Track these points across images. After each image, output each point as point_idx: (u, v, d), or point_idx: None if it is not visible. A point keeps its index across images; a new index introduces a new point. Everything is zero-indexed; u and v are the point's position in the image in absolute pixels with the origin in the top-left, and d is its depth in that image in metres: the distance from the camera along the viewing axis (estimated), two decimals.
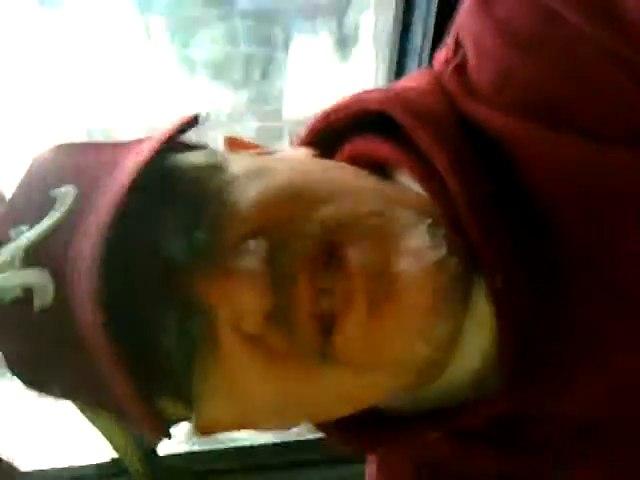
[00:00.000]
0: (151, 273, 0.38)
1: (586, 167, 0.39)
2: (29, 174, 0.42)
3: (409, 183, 0.45)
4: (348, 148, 0.48)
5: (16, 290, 0.37)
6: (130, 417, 0.39)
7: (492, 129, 0.42)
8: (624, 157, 0.39)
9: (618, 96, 0.39)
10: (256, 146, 0.50)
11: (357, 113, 0.46)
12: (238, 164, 0.42)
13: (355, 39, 1.34)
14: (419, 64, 0.91)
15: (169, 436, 0.42)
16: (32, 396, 0.43)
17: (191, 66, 1.35)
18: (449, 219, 0.41)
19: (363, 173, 0.45)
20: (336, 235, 0.38)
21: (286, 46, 1.35)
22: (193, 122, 0.41)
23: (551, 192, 0.40)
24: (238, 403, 0.41)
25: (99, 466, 1.34)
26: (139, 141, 0.42)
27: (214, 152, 0.44)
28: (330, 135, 0.49)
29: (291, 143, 0.51)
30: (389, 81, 1.03)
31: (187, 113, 0.41)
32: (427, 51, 0.86)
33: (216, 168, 0.41)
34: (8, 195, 0.42)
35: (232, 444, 1.44)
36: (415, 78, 0.49)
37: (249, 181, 0.40)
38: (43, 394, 0.43)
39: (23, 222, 0.39)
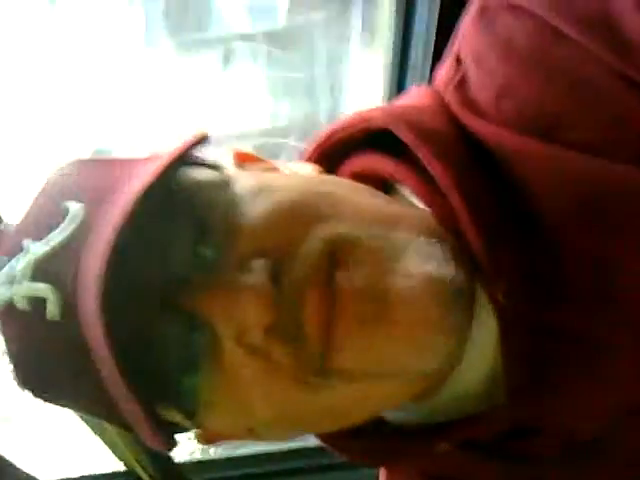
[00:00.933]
0: (156, 288, 0.38)
1: (586, 182, 0.40)
2: (43, 189, 0.43)
3: (412, 199, 0.46)
4: (352, 165, 0.49)
5: (23, 303, 0.38)
6: (135, 428, 0.40)
7: (493, 144, 0.42)
8: (625, 172, 0.39)
9: (620, 113, 0.39)
10: (264, 161, 0.50)
11: (361, 130, 0.47)
12: (244, 181, 0.43)
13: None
14: (419, 81, 0.91)
15: (172, 446, 0.43)
16: (46, 407, 0.44)
17: None
18: (452, 235, 0.41)
19: (366, 189, 0.45)
20: (337, 252, 0.39)
21: None
22: (202, 140, 0.42)
23: (552, 207, 0.40)
24: (240, 415, 0.42)
25: (113, 475, 1.33)
26: (148, 159, 0.42)
27: (221, 169, 0.45)
28: (335, 152, 0.49)
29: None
30: (389, 99, 1.03)
31: (196, 131, 0.42)
32: (427, 68, 0.86)
33: (222, 185, 0.42)
34: (6, 218, 0.43)
35: (246, 451, 1.44)
36: (416, 95, 0.50)
37: (254, 199, 0.41)
38: (50, 403, 0.43)
39: (33, 236, 0.39)
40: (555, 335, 0.40)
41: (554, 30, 0.41)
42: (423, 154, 0.42)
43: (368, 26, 1.23)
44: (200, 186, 0.41)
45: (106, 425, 1.10)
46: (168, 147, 0.41)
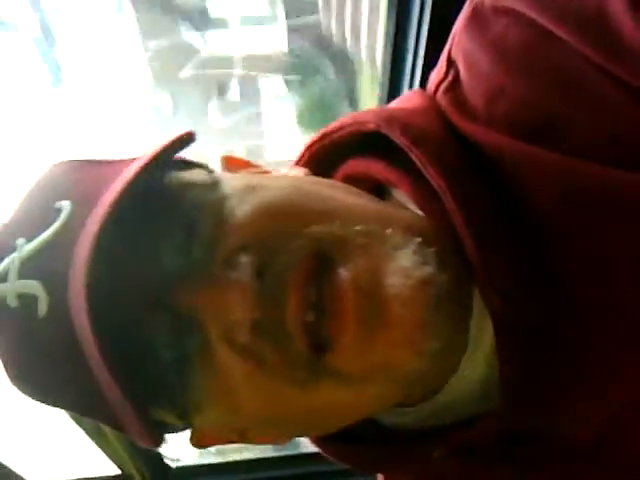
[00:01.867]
0: (144, 287, 0.38)
1: (580, 185, 0.40)
2: (32, 189, 0.43)
3: (405, 201, 0.46)
4: (345, 168, 0.49)
5: (14, 300, 0.38)
6: (124, 426, 0.40)
7: (486, 147, 0.42)
8: (618, 175, 0.39)
9: (612, 114, 0.39)
10: (253, 165, 0.50)
11: (353, 134, 0.47)
12: (233, 182, 0.43)
13: None
14: (411, 86, 0.91)
15: (160, 445, 0.42)
16: (40, 409, 0.44)
17: None
18: (447, 237, 0.41)
19: (356, 191, 0.45)
20: (326, 251, 0.39)
21: None
22: (187, 140, 0.42)
23: (545, 209, 0.40)
24: (232, 415, 0.42)
25: (107, 479, 1.33)
26: (136, 158, 0.42)
27: (209, 170, 0.45)
28: (327, 156, 0.49)
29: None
30: (383, 102, 1.03)
31: (181, 131, 0.42)
32: (420, 72, 0.86)
33: (210, 186, 0.42)
34: None
35: (240, 457, 1.43)
36: (409, 98, 0.50)
37: (242, 197, 0.41)
38: (40, 402, 0.43)
39: (24, 235, 0.39)
40: (550, 339, 0.40)
41: (546, 32, 0.41)
42: (417, 157, 0.42)
43: None
44: (189, 185, 0.41)
45: (101, 428, 1.10)
46: (152, 147, 0.41)
